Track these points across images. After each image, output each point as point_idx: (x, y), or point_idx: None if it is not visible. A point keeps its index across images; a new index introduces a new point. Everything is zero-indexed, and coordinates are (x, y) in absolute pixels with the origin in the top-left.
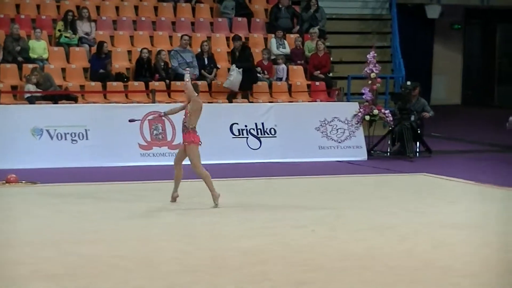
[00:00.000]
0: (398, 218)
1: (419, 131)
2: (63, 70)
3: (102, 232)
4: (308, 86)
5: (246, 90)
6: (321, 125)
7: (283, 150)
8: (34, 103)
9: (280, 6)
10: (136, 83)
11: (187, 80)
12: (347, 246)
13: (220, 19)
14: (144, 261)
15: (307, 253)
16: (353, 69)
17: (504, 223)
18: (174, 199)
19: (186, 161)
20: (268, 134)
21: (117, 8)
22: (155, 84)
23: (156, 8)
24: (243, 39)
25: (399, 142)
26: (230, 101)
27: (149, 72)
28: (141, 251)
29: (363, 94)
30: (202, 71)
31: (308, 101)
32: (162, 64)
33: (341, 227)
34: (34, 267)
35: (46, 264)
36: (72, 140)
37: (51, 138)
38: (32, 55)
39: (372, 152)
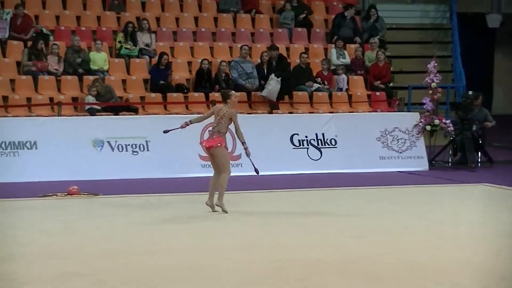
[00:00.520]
0: (459, 228)
1: (480, 141)
2: (124, 81)
3: (161, 242)
4: (369, 96)
5: (283, 100)
6: (381, 135)
7: (343, 161)
8: (95, 115)
9: (346, 15)
10: (196, 94)
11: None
12: (408, 257)
13: (279, 30)
14: (203, 271)
15: (367, 264)
16: (414, 79)
17: None
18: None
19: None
20: (328, 144)
21: (177, 19)
22: (215, 95)
23: (216, 19)
24: (303, 50)
25: (461, 152)
26: (271, 112)
27: (209, 83)
28: (200, 261)
29: (423, 104)
30: (262, 81)
31: (369, 111)
32: (223, 75)
33: (402, 237)
34: (92, 278)
35: (105, 275)
36: (133, 151)
37: (112, 149)
38: (93, 66)
39: (433, 162)
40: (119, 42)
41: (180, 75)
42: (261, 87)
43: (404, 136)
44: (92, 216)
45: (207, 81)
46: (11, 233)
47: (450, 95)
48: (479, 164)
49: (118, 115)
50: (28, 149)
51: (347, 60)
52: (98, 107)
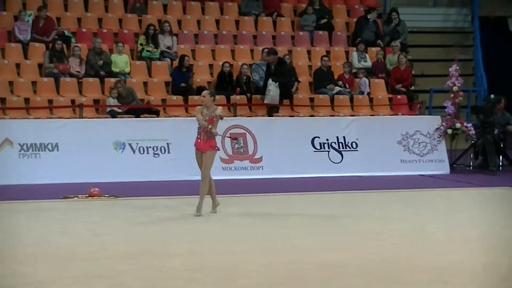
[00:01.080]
0: (480, 231)
1: (502, 145)
2: (145, 84)
3: (180, 245)
4: (390, 99)
5: (283, 104)
6: (403, 138)
7: (364, 164)
8: (116, 117)
9: (368, 17)
10: (217, 97)
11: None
12: (429, 260)
13: (301, 33)
14: (223, 274)
15: (388, 266)
16: (435, 82)
17: None
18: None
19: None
20: (349, 147)
21: (198, 22)
22: (236, 98)
23: (237, 22)
24: (325, 53)
25: (482, 156)
26: (271, 115)
27: (231, 86)
28: (220, 264)
29: (445, 107)
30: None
31: (390, 115)
32: (244, 77)
33: (423, 240)
34: (112, 280)
35: (124, 277)
36: (154, 153)
37: (133, 152)
38: (114, 69)
39: (454, 166)
40: (141, 44)
41: (201, 77)
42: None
43: (425, 139)
44: (113, 218)
45: (228, 84)
46: (32, 234)
47: (472, 98)
48: (500, 167)
49: (139, 117)
50: (49, 151)
51: (369, 63)
52: (120, 110)
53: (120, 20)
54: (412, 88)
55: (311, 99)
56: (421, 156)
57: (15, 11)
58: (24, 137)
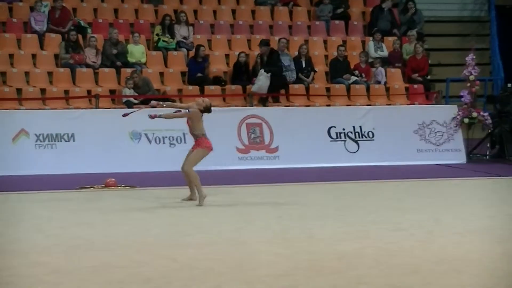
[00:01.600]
0: (496, 221)
1: None
2: (161, 74)
3: (197, 235)
4: (406, 89)
5: (274, 94)
6: (419, 128)
7: (381, 154)
8: (132, 107)
9: (383, 7)
10: (233, 87)
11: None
12: (444, 250)
13: (317, 22)
14: (239, 264)
15: (403, 256)
16: (452, 71)
17: None
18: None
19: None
20: (366, 137)
21: (214, 12)
22: (252, 88)
23: (253, 12)
24: (341, 42)
25: (498, 145)
26: (264, 105)
27: (247, 76)
28: (236, 254)
29: (461, 96)
30: (300, 74)
31: (406, 104)
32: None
33: (439, 230)
34: (129, 270)
35: (141, 267)
36: (170, 143)
37: (150, 142)
38: (130, 59)
39: (471, 155)
40: (157, 34)
41: (217, 67)
42: (298, 80)
43: (442, 129)
44: (129, 208)
45: (244, 74)
46: (49, 225)
47: (488, 88)
48: None
49: (155, 107)
50: (65, 141)
51: (385, 52)
52: (136, 100)
53: (136, 11)
54: (429, 77)
55: (328, 89)
56: (438, 145)
57: (31, 2)
58: (40, 127)
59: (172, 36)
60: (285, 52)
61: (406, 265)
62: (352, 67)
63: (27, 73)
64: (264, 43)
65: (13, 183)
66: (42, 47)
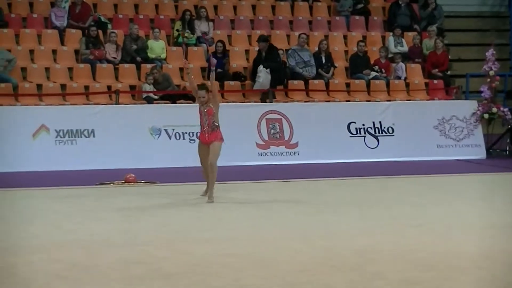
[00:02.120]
0: None
1: None
2: (181, 69)
3: (216, 231)
4: (426, 84)
5: (274, 89)
6: (439, 123)
7: (401, 149)
8: (152, 103)
9: (400, 2)
10: (253, 83)
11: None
12: (463, 245)
13: (337, 18)
14: (258, 260)
15: (421, 252)
16: (472, 67)
17: None
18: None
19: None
20: (386, 133)
21: (234, 7)
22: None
23: (273, 7)
24: (361, 38)
25: None
26: (264, 101)
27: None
28: (255, 250)
29: (481, 92)
30: (320, 70)
31: (426, 100)
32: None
33: (458, 225)
34: (149, 266)
35: (161, 263)
36: (190, 139)
37: (169, 137)
38: (151, 55)
39: (491, 150)
40: (177, 30)
41: (237, 63)
42: (318, 75)
43: (462, 124)
44: (149, 204)
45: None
46: (69, 221)
47: (508, 83)
48: None
49: (175, 103)
50: (85, 137)
51: (405, 48)
52: (156, 96)
53: (157, 6)
54: (449, 72)
55: (347, 84)
56: (458, 141)
57: None
58: (61, 123)
59: (192, 31)
60: (305, 47)
61: (425, 260)
62: (372, 62)
63: (47, 69)
64: (263, 38)
65: (33, 179)
66: (62, 43)
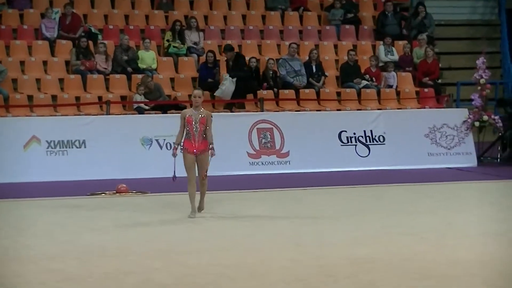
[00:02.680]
0: (508, 224)
1: None
2: (172, 79)
3: (208, 241)
4: (417, 92)
5: (240, 99)
6: (430, 131)
7: (392, 157)
8: (143, 113)
9: (386, 12)
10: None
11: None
12: (457, 253)
13: (328, 27)
14: (251, 270)
15: (416, 261)
16: (462, 75)
17: None
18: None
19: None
20: (377, 141)
21: (225, 17)
22: (263, 93)
23: (264, 17)
24: (351, 47)
25: (509, 148)
26: (231, 110)
27: (257, 81)
28: (248, 260)
29: (472, 100)
30: (310, 79)
31: (417, 108)
32: (271, 72)
33: (451, 234)
34: (142, 276)
35: (154, 273)
36: (181, 149)
37: (161, 148)
38: (141, 65)
39: (482, 158)
40: (168, 40)
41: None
42: (309, 85)
43: (453, 132)
44: (141, 214)
45: (255, 79)
46: (61, 231)
47: (499, 91)
48: None
49: (166, 113)
50: (77, 147)
51: (395, 57)
52: (147, 106)
53: (147, 17)
54: (439, 81)
55: (338, 93)
56: (449, 149)
57: (42, 9)
58: (52, 134)
59: (183, 41)
60: (296, 57)
61: (419, 269)
62: (362, 71)
63: (38, 80)
64: (228, 48)
65: (25, 190)
66: (53, 54)
